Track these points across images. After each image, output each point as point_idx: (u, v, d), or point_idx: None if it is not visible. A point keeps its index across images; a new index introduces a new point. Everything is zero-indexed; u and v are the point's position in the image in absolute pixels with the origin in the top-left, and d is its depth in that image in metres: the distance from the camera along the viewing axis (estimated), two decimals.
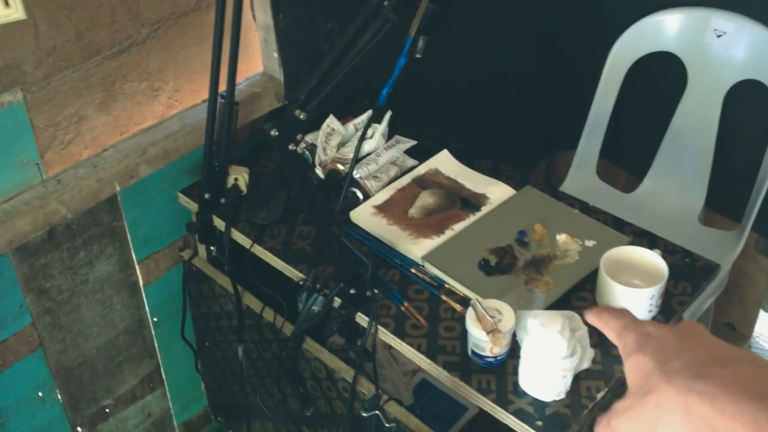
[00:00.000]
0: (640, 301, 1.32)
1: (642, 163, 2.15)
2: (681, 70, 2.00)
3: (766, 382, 0.49)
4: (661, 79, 2.10)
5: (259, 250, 1.55)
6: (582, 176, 2.16)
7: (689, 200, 2.07)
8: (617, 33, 2.01)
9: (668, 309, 1.39)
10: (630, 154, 2.23)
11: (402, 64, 1.36)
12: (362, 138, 1.40)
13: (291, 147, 1.12)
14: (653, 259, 1.36)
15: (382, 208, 1.59)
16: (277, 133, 1.08)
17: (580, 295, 1.43)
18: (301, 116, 1.09)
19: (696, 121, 2.02)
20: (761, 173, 1.92)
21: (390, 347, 1.90)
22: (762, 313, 2.36)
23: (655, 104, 2.10)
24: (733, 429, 0.47)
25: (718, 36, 1.93)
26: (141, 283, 1.74)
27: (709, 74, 1.97)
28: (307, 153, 1.66)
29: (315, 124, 1.68)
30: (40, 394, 1.65)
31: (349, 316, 1.44)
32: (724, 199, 2.08)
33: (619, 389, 1.39)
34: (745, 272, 2.27)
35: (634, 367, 0.55)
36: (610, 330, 0.61)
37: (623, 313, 0.61)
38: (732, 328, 2.40)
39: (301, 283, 1.49)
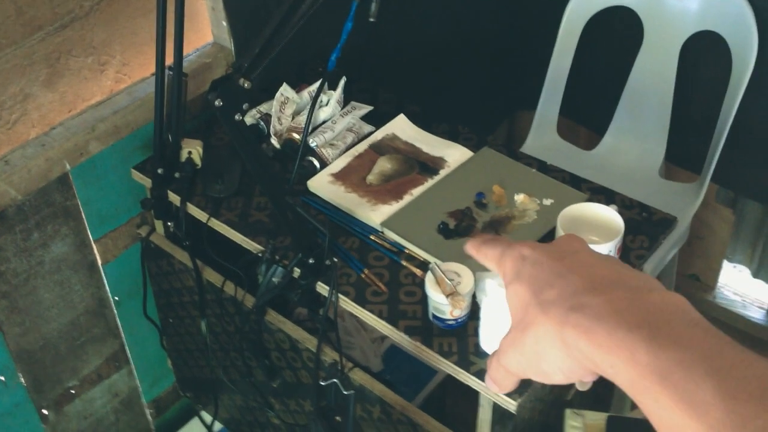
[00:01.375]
0: None
1: (602, 120, 2.15)
2: (637, 24, 2.00)
3: (640, 308, 0.47)
4: (617, 34, 2.09)
5: (216, 224, 1.53)
6: (543, 135, 2.16)
7: (649, 154, 2.07)
8: None
9: (626, 262, 1.39)
10: (590, 111, 2.23)
11: (349, 27, 1.34)
12: (313, 105, 1.38)
13: (237, 117, 1.10)
14: (609, 215, 1.36)
15: (339, 176, 1.58)
16: (221, 104, 1.06)
17: None
18: (246, 85, 1.07)
19: (653, 75, 2.02)
20: (719, 125, 1.92)
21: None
22: (726, 264, 2.38)
23: (613, 60, 2.10)
24: (611, 362, 0.46)
25: None
26: (99, 262, 1.72)
27: (664, 27, 1.96)
28: (261, 123, 1.63)
29: (269, 94, 1.66)
30: (2, 378, 1.63)
31: (309, 286, 1.43)
32: (684, 152, 2.09)
33: None
34: (707, 223, 2.29)
35: (513, 298, 0.54)
36: (488, 260, 0.59)
37: (499, 240, 0.58)
38: (696, 279, 2.43)
39: (259, 255, 1.47)
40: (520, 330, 0.52)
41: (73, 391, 1.81)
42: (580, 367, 0.49)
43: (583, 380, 0.53)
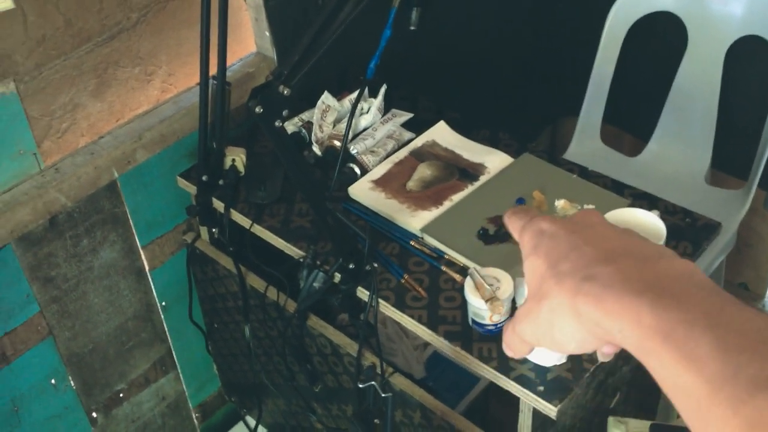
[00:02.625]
0: None
1: (647, 126, 2.13)
2: (681, 30, 1.98)
3: (648, 275, 0.49)
4: (661, 39, 2.07)
5: (258, 230, 1.56)
6: (586, 142, 2.14)
7: (695, 160, 2.05)
8: None
9: None
10: (634, 117, 2.21)
11: (388, 35, 1.35)
12: (353, 112, 1.40)
13: (278, 123, 1.12)
14: (651, 220, 1.35)
15: (380, 183, 1.59)
16: (261, 110, 1.08)
17: None
18: (285, 92, 1.09)
19: (698, 81, 1.99)
20: (766, 130, 1.89)
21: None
22: None
23: (657, 65, 2.08)
24: (619, 327, 0.48)
25: None
26: (147, 267, 1.76)
27: (709, 32, 1.94)
28: (303, 131, 1.65)
29: (311, 102, 1.68)
30: (52, 381, 1.68)
31: (349, 291, 1.44)
32: (731, 158, 2.06)
33: (622, 352, 1.39)
34: (756, 231, 2.25)
35: (529, 270, 0.56)
36: (514, 230, 0.61)
37: (524, 212, 0.60)
38: (746, 288, 2.38)
39: (301, 260, 1.49)
40: (535, 300, 0.54)
41: (121, 395, 1.85)
42: (593, 336, 0.51)
43: (599, 350, 0.54)
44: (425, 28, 1.59)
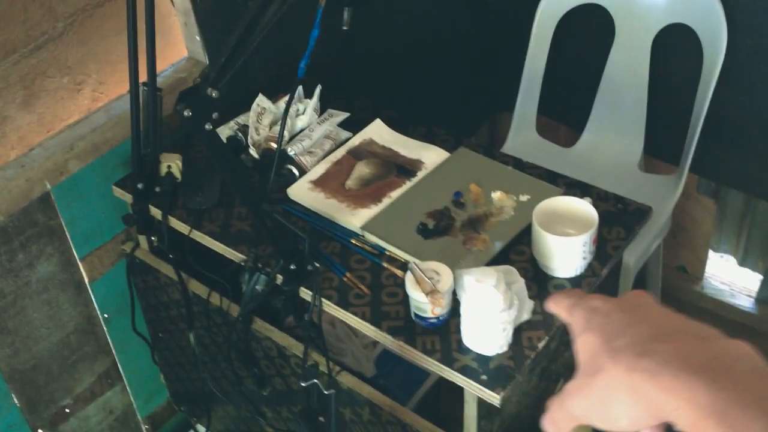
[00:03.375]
0: (573, 248, 1.34)
1: (580, 117, 2.17)
2: (608, 20, 2.02)
3: (705, 354, 0.50)
4: (590, 31, 2.11)
5: (198, 235, 1.55)
6: (522, 135, 2.18)
7: (628, 148, 2.09)
8: None
9: (603, 254, 1.41)
10: (568, 108, 2.25)
11: (316, 35, 1.35)
12: (286, 113, 1.40)
13: (208, 126, 1.11)
14: (584, 207, 1.38)
15: (318, 183, 1.60)
16: (190, 114, 1.07)
17: (518, 249, 1.44)
18: (213, 94, 1.08)
19: (627, 70, 2.04)
20: (694, 116, 1.94)
21: None
22: (712, 254, 2.40)
23: (587, 57, 2.12)
24: (674, 404, 0.48)
25: None
26: (86, 280, 1.73)
27: (635, 22, 1.99)
28: (240, 134, 1.65)
29: (246, 105, 1.68)
30: None
31: (292, 292, 1.44)
32: (663, 145, 2.11)
33: (562, 337, 1.42)
34: (691, 215, 2.31)
35: (582, 346, 0.56)
36: (561, 310, 0.61)
37: (573, 291, 0.62)
38: (684, 271, 2.44)
39: (242, 264, 1.49)
40: (588, 376, 0.54)
41: (67, 410, 1.82)
42: (647, 414, 0.51)
43: (648, 428, 0.54)
44: (359, 27, 1.60)
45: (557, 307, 0.62)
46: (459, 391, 1.35)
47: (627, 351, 0.52)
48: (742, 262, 2.35)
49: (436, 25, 2.20)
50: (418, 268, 1.33)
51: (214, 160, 1.18)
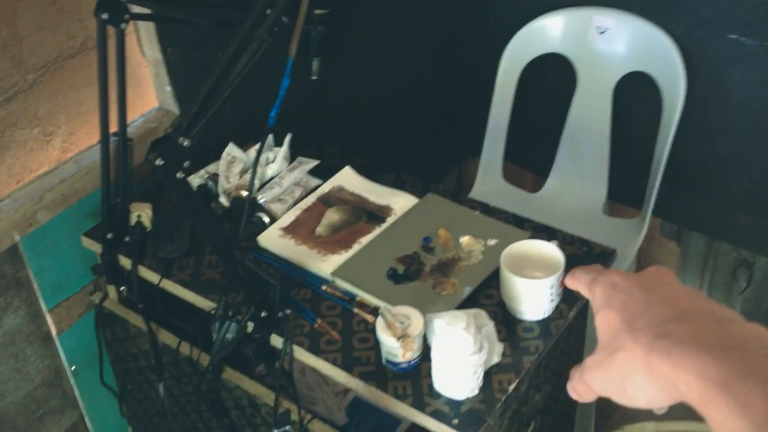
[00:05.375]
0: (540, 291, 1.36)
1: (545, 163, 2.21)
2: (570, 69, 2.08)
3: (719, 335, 0.52)
4: (553, 79, 2.17)
5: (168, 284, 1.54)
6: (489, 181, 2.21)
7: (592, 193, 2.13)
8: (507, 39, 2.08)
9: (571, 296, 1.43)
10: (533, 155, 2.29)
11: (286, 84, 1.38)
12: (257, 161, 1.41)
13: (179, 175, 1.12)
14: (550, 251, 1.40)
15: (289, 230, 1.61)
16: (162, 162, 1.09)
17: (486, 292, 1.46)
18: (185, 143, 1.10)
19: (589, 117, 2.09)
20: (655, 160, 1.99)
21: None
22: None
23: (551, 104, 2.17)
24: (685, 380, 0.51)
25: (601, 33, 2.01)
26: (54, 332, 1.71)
27: (596, 70, 2.04)
28: (210, 183, 1.66)
29: (217, 154, 1.69)
30: None
31: (263, 339, 1.44)
32: (626, 189, 2.15)
33: (531, 381, 1.43)
34: (654, 258, 2.35)
35: (602, 322, 0.58)
36: (580, 285, 0.63)
37: (592, 267, 0.63)
38: None
39: (212, 312, 1.48)
40: (608, 353, 0.56)
41: None
42: (663, 394, 0.54)
43: (661, 406, 0.57)
44: (328, 76, 1.63)
45: (576, 282, 0.64)
46: None
47: (646, 332, 0.54)
48: None
49: (404, 74, 2.24)
50: (390, 312, 1.34)
51: (185, 208, 1.18)
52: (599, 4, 2.00)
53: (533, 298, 1.36)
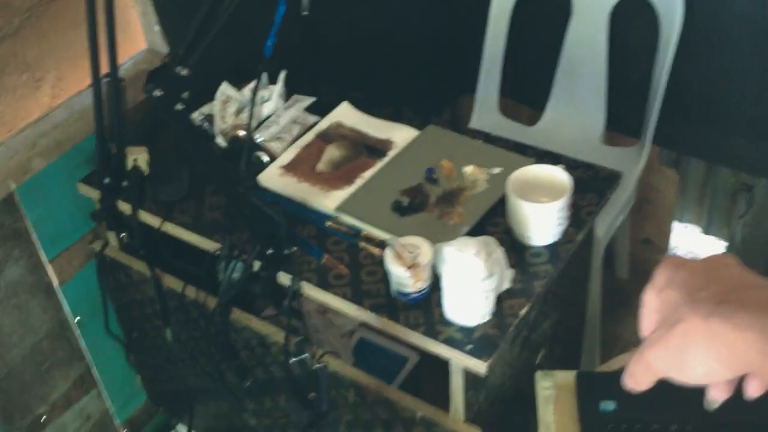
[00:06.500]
0: (548, 215, 1.35)
1: (541, 96, 2.18)
2: None
3: None
4: (547, 9, 2.13)
5: (170, 227, 1.52)
6: (485, 116, 2.19)
7: (590, 123, 2.11)
8: None
9: (578, 220, 1.43)
10: (528, 88, 2.26)
11: (282, 11, 1.34)
12: (254, 98, 1.38)
13: (179, 107, 1.10)
14: (557, 174, 1.39)
15: (289, 168, 1.58)
16: (161, 93, 1.06)
17: (493, 221, 1.45)
18: (184, 72, 1.07)
19: (585, 46, 2.06)
20: (653, 87, 1.97)
21: (324, 311, 1.90)
22: (676, 224, 2.44)
23: (545, 35, 2.13)
24: (744, 338, 0.52)
25: None
26: (56, 283, 1.69)
27: None
28: (206, 124, 1.63)
29: (211, 96, 1.66)
30: None
31: (270, 277, 1.43)
32: (624, 118, 2.13)
33: (542, 306, 1.42)
34: (654, 186, 2.34)
35: (665, 302, 0.58)
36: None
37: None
38: (649, 243, 2.48)
39: (217, 253, 1.47)
40: (667, 327, 0.56)
41: (44, 418, 1.78)
42: (721, 363, 0.54)
43: (721, 382, 0.57)
44: (321, 11, 1.59)
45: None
46: (440, 373, 1.35)
47: (706, 301, 0.55)
48: (707, 231, 2.39)
49: (398, 8, 2.20)
50: (398, 243, 1.33)
51: (185, 143, 1.16)
52: None
53: (541, 223, 1.35)
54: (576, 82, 2.11)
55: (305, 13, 1.60)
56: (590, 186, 1.49)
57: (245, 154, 1.54)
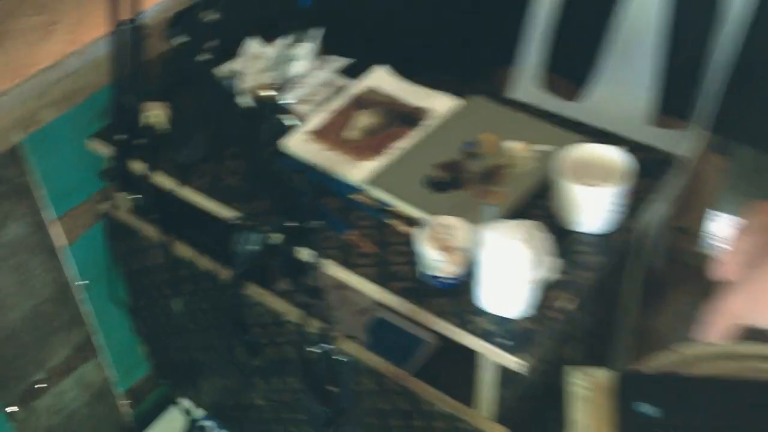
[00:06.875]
0: (604, 201, 1.23)
1: (584, 70, 2.05)
2: None
3: None
4: None
5: (185, 192, 1.41)
6: (525, 90, 2.05)
7: (638, 102, 1.98)
8: None
9: (638, 210, 1.30)
10: (570, 61, 2.13)
11: None
12: (284, 55, 1.26)
13: (204, 57, 0.97)
14: (614, 156, 1.26)
15: (317, 134, 1.47)
16: (185, 40, 0.93)
17: (538, 203, 1.33)
18: (212, 17, 0.94)
19: (639, 18, 1.92)
20: (712, 67, 1.84)
21: (341, 286, 1.79)
22: (716, 213, 2.31)
23: (593, 5, 2.00)
24: None
25: None
26: (61, 243, 1.59)
27: None
28: (231, 80, 1.51)
29: (238, 49, 1.54)
30: None
31: (290, 251, 1.32)
32: (675, 99, 2.00)
33: (589, 302, 1.31)
34: (698, 173, 2.21)
35: (754, 246, 0.60)
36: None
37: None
38: (684, 232, 2.35)
39: (235, 222, 1.36)
40: (747, 272, 0.59)
41: (40, 385, 1.68)
42: None
43: None
44: None
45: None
46: (457, 359, 1.24)
47: None
48: None
49: None
50: (433, 223, 1.21)
51: (207, 100, 1.04)
52: None
53: (596, 209, 1.23)
54: (627, 57, 1.97)
55: None
56: (643, 170, 1.36)
57: (270, 116, 1.42)
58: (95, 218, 1.62)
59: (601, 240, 1.26)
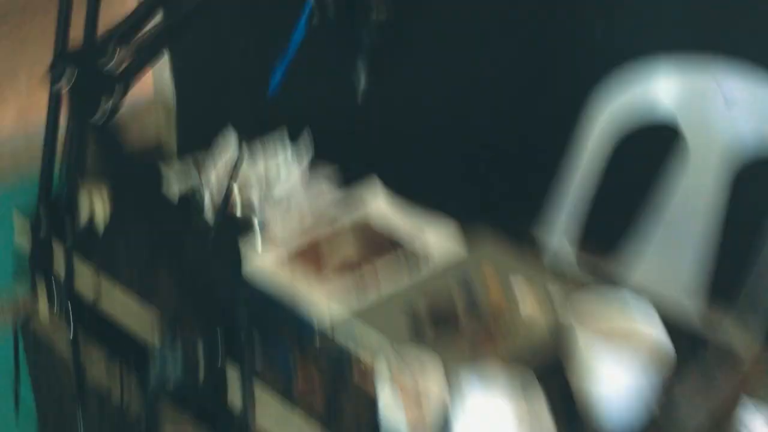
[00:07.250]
0: (625, 388, 0.92)
1: (618, 242, 1.79)
2: (673, 141, 1.68)
3: None
4: (650, 150, 1.77)
5: (106, 301, 1.16)
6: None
7: (680, 286, 1.70)
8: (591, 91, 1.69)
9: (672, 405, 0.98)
10: (606, 233, 1.87)
11: (299, 38, 1.02)
12: (239, 162, 1.04)
13: (97, 117, 0.70)
14: (648, 331, 0.97)
15: (292, 257, 1.22)
16: (71, 86, 0.65)
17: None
18: (116, 55, 0.68)
19: (694, 202, 1.68)
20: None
21: None
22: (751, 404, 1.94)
23: (638, 177, 1.77)
24: None
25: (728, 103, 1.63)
26: None
27: (714, 147, 1.65)
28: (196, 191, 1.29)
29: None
30: None
31: (219, 375, 1.03)
32: (726, 289, 1.72)
33: None
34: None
35: None
36: None
37: None
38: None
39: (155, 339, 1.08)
40: None
41: None
42: None
43: None
44: (377, 99, 1.27)
45: None
46: None
47: None
48: None
49: (460, 104, 1.86)
50: (396, 361, 0.92)
51: (154, 201, 0.79)
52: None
53: (614, 395, 0.93)
54: (672, 237, 1.72)
55: (362, 86, 1.26)
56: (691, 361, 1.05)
57: (235, 236, 1.19)
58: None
59: (617, 424, 0.93)
